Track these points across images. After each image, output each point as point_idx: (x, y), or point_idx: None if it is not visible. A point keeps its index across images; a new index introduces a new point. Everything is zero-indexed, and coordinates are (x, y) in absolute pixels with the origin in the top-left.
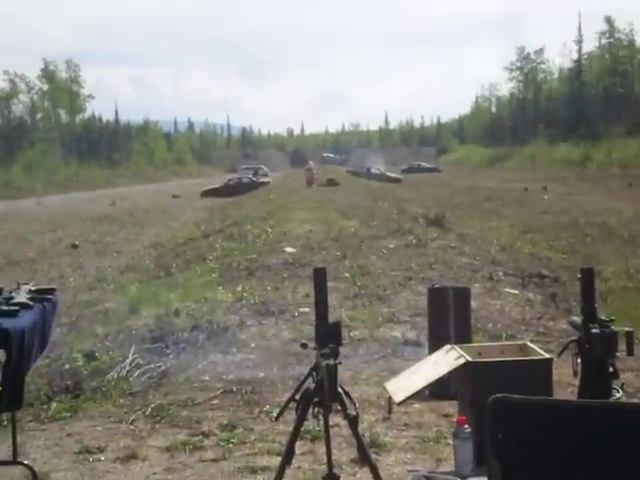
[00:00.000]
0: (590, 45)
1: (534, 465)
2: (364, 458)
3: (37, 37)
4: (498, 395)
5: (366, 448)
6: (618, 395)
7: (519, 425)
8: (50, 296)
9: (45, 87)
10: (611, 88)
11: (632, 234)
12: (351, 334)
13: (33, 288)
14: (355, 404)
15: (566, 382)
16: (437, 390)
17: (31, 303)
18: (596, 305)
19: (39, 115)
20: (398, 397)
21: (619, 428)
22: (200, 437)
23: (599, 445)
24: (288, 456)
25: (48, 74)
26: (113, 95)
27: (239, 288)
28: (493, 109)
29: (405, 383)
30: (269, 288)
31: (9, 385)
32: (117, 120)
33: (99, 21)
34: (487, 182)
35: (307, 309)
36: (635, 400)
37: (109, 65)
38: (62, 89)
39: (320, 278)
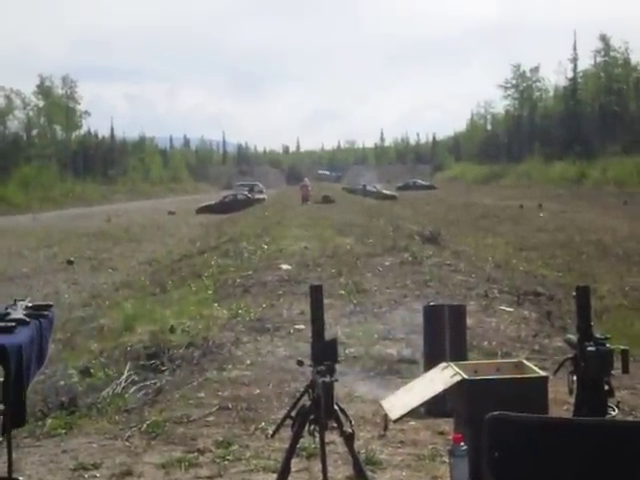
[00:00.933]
0: (585, 63)
1: None
2: (360, 475)
3: (33, 53)
4: (495, 413)
5: (362, 465)
6: (614, 413)
7: (515, 443)
8: (46, 312)
9: (41, 103)
10: (606, 106)
11: (627, 252)
12: (347, 351)
13: (30, 304)
14: (351, 421)
15: (562, 400)
16: (433, 408)
17: (28, 319)
18: (591, 323)
19: (35, 131)
20: (394, 414)
21: (615, 446)
22: (195, 454)
23: (595, 463)
24: (284, 473)
25: (44, 90)
26: (109, 111)
27: (234, 305)
28: (488, 126)
29: (401, 401)
30: (264, 305)
31: (10, 402)
32: (113, 136)
33: (95, 37)
34: (482, 199)
35: (303, 326)
36: (631, 418)
37: (105, 81)
38: (58, 105)
39: (316, 295)
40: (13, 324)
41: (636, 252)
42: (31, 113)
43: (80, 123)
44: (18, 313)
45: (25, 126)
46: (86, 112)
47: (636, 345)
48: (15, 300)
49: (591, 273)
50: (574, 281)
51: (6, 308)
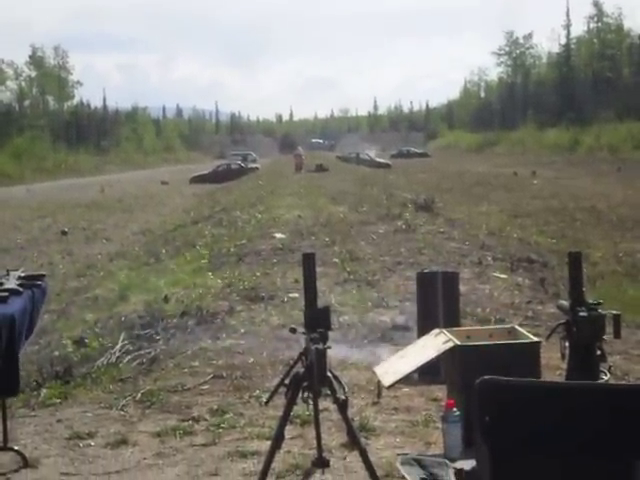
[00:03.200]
0: (578, 29)
1: (521, 447)
2: (353, 442)
3: (25, 23)
4: (485, 377)
5: (355, 432)
6: (605, 378)
7: (506, 407)
8: (39, 282)
9: (33, 74)
10: (600, 72)
11: (621, 218)
12: (340, 319)
13: (22, 274)
14: (344, 388)
15: (555, 365)
16: (427, 374)
17: (20, 289)
18: (584, 289)
19: (27, 102)
20: (387, 381)
21: (606, 410)
22: (190, 422)
23: (586, 427)
24: (278, 440)
25: (36, 60)
26: (101, 81)
27: (228, 274)
28: (482, 94)
29: (394, 367)
30: (258, 274)
31: (3, 371)
32: (105, 107)
33: (87, 7)
34: (476, 167)
35: (296, 294)
36: (622, 383)
37: (97, 51)
38: (50, 75)
39: (309, 263)
40: (6, 294)
41: (630, 218)
42: (23, 84)
43: (72, 93)
44: (11, 283)
45: (17, 97)
46: (78, 82)
47: (629, 310)
48: (8, 270)
49: (585, 239)
50: (568, 248)
51: None
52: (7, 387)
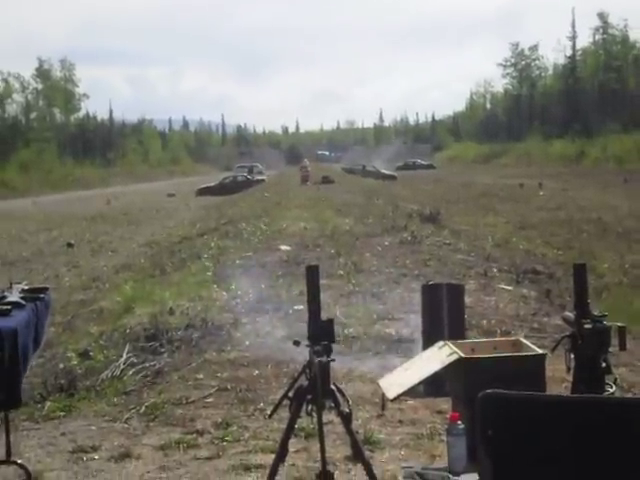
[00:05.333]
0: (584, 41)
1: (525, 460)
2: (358, 455)
3: (32, 36)
4: (488, 391)
5: (360, 445)
6: (611, 390)
7: (509, 420)
8: (43, 295)
9: (40, 86)
10: (606, 84)
11: (627, 230)
12: (345, 331)
13: (26, 287)
14: (348, 401)
15: (560, 377)
16: (432, 387)
17: (23, 302)
18: (589, 301)
19: (34, 114)
20: (391, 394)
21: (612, 423)
22: (194, 435)
23: (591, 440)
24: (282, 453)
25: (43, 73)
26: (107, 94)
27: (234, 286)
28: (488, 106)
29: (398, 380)
30: (264, 286)
31: (5, 384)
32: (112, 119)
33: (94, 20)
34: (482, 178)
35: (301, 306)
36: (629, 395)
37: (104, 64)
38: (57, 88)
39: (313, 275)
40: (9, 307)
41: (636, 230)
42: (30, 96)
43: (79, 106)
44: (14, 296)
45: (24, 110)
46: (85, 95)
47: (635, 322)
48: (11, 283)
49: (591, 251)
50: (574, 259)
51: (2, 291)
52: (9, 400)
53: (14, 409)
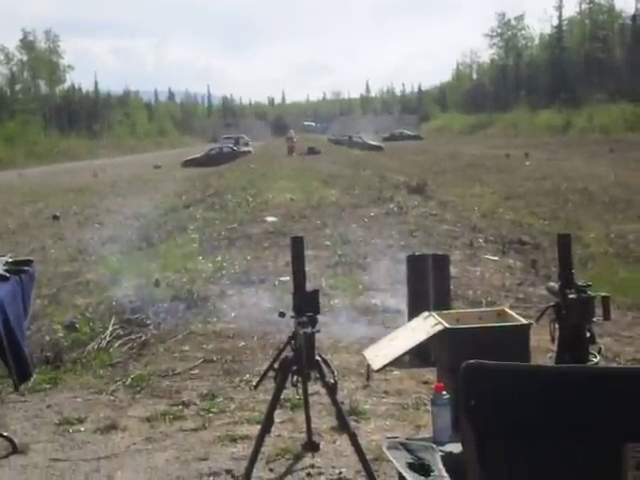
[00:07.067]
0: (570, 11)
1: (507, 431)
2: (343, 426)
3: (16, 7)
4: (470, 361)
5: (345, 415)
6: (595, 360)
7: (492, 391)
8: (27, 268)
9: (24, 58)
10: (592, 54)
11: (613, 199)
12: (331, 302)
13: (10, 260)
14: (333, 372)
15: (545, 347)
16: (418, 357)
17: (7, 275)
18: (573, 271)
19: (18, 86)
20: (376, 364)
21: (595, 393)
22: (180, 407)
23: (575, 411)
24: (268, 424)
25: (27, 45)
26: (93, 65)
27: (219, 258)
28: (474, 76)
29: (383, 350)
30: (250, 257)
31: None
32: (97, 91)
33: None
34: (469, 149)
35: (287, 278)
36: (613, 365)
37: (90, 36)
38: (41, 60)
39: (298, 247)
40: None
41: (622, 199)
42: (14, 68)
43: (64, 77)
44: None
45: (9, 81)
46: (69, 66)
47: (620, 292)
48: None
49: (577, 221)
50: (560, 229)
51: None
52: (23, 371)
53: (28, 380)
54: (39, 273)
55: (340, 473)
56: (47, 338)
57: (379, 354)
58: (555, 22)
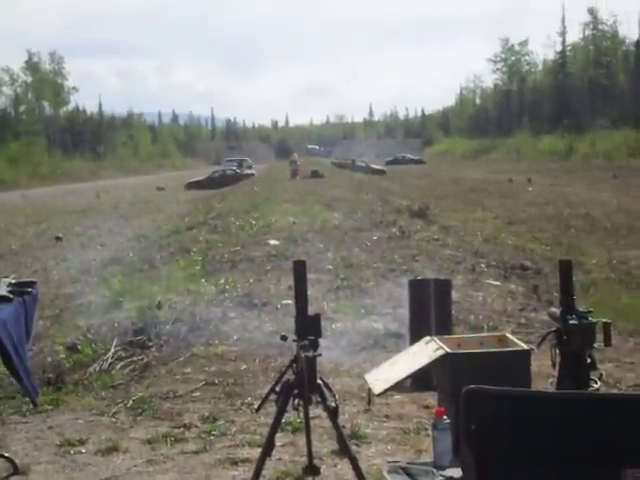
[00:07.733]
0: (574, 37)
1: (507, 456)
2: (344, 449)
3: (21, 28)
4: (471, 386)
5: (346, 439)
6: (596, 386)
7: (492, 416)
8: (30, 289)
9: (29, 79)
10: (595, 80)
11: (615, 225)
12: (333, 326)
13: (13, 281)
14: (335, 395)
15: (547, 373)
16: (419, 382)
17: (11, 296)
18: (575, 297)
19: (23, 107)
20: (377, 388)
21: (595, 419)
22: (181, 429)
23: (575, 437)
24: (268, 448)
25: (32, 66)
26: (97, 87)
27: (222, 280)
28: (478, 101)
29: (384, 374)
30: (252, 280)
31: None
32: (101, 112)
33: (85, 13)
34: (471, 173)
35: (290, 301)
36: (614, 391)
37: (94, 57)
38: (46, 81)
39: (300, 271)
40: None
41: (624, 226)
42: (19, 89)
43: (68, 99)
44: (2, 290)
45: (13, 102)
46: (74, 88)
47: (622, 318)
48: None
49: (579, 247)
50: (562, 255)
51: None
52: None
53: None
54: (41, 294)
55: None
56: (49, 359)
57: (380, 378)
58: (559, 48)
